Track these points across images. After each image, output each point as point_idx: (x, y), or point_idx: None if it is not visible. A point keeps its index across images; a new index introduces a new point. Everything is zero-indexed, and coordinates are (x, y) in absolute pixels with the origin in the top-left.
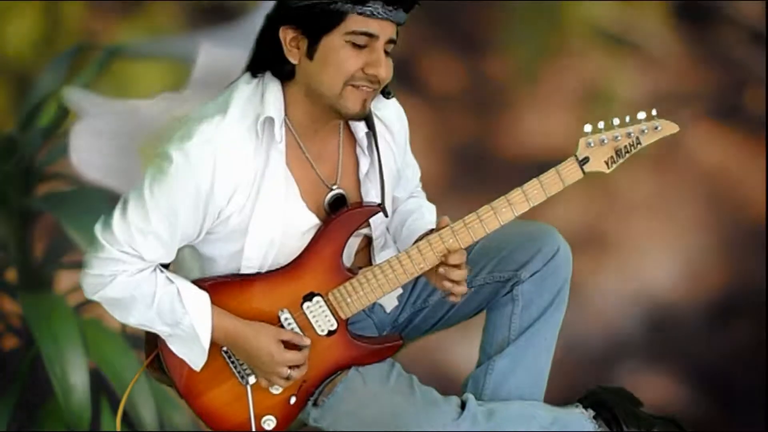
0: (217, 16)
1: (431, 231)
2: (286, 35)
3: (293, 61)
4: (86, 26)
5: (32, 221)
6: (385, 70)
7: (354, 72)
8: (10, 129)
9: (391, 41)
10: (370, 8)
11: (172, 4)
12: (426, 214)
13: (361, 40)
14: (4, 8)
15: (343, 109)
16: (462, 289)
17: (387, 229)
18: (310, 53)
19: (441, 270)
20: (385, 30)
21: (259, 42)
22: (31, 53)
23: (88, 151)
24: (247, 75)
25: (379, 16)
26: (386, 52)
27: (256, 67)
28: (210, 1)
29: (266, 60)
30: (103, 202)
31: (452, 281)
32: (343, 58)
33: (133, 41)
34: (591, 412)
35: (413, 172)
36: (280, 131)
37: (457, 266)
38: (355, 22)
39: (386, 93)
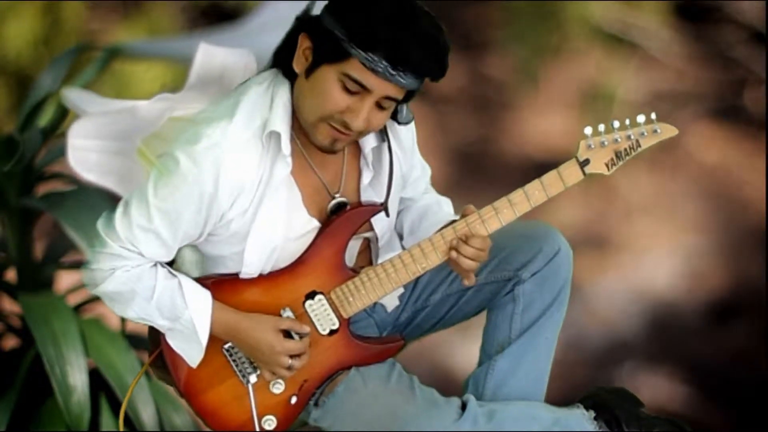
0: (217, 16)
1: (452, 222)
2: (303, 43)
3: (296, 69)
4: (86, 26)
5: (32, 221)
6: (362, 123)
7: (333, 112)
8: (10, 129)
9: (390, 98)
10: (373, 62)
11: (172, 4)
12: (444, 207)
13: (353, 87)
14: (4, 8)
15: (312, 137)
16: (469, 263)
17: (400, 230)
18: (308, 73)
19: (453, 255)
20: (383, 88)
21: (288, 36)
22: (31, 53)
23: (86, 152)
24: (260, 75)
25: (381, 75)
26: (382, 107)
27: (278, 57)
28: (210, 1)
29: (284, 55)
30: (102, 202)
31: (463, 255)
32: (329, 93)
33: (133, 41)
34: (592, 413)
35: (421, 172)
36: (287, 145)
37: (471, 253)
38: (354, 67)
39: (399, 120)
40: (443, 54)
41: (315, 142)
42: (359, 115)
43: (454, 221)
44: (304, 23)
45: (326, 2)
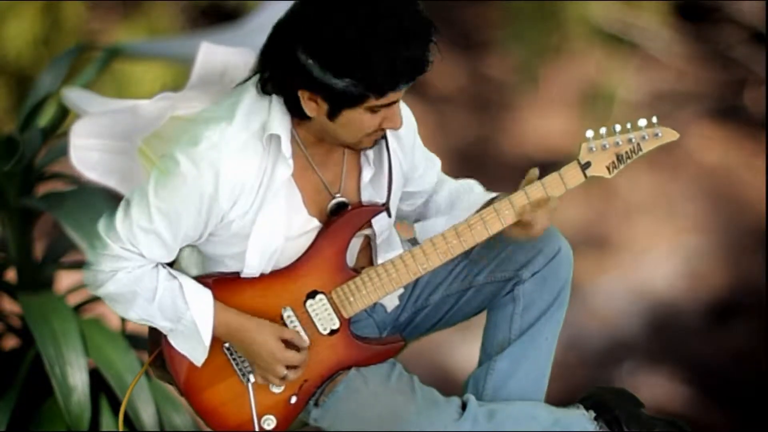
0: (217, 16)
1: (492, 201)
2: (304, 95)
3: (310, 114)
4: (86, 26)
5: (32, 221)
6: (399, 123)
7: (372, 131)
8: (10, 129)
9: None
10: (395, 90)
11: (172, 4)
12: (474, 187)
13: (380, 107)
14: (4, 8)
15: (356, 148)
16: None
17: (436, 213)
18: (330, 116)
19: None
20: (402, 92)
21: (272, 80)
22: (31, 53)
23: (88, 151)
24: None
25: (400, 90)
26: None
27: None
28: (210, 1)
29: (277, 92)
30: (102, 201)
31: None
32: (362, 124)
33: (133, 41)
34: (592, 414)
35: (425, 168)
36: (287, 148)
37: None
38: (376, 99)
39: None
40: (434, 35)
41: (359, 149)
42: (396, 119)
43: (493, 199)
44: (290, 75)
45: (311, 54)
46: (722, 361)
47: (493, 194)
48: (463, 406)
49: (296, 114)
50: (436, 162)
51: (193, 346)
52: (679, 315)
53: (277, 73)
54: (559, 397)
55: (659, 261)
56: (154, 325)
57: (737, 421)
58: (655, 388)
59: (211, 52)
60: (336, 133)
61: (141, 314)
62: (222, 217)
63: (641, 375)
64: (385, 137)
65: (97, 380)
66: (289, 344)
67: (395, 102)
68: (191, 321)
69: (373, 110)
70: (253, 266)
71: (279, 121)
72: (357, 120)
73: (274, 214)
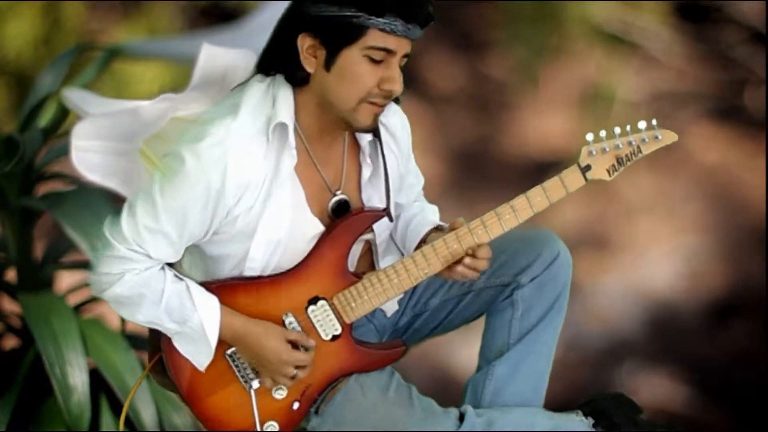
0: (217, 16)
1: (437, 228)
2: (304, 43)
3: (309, 69)
4: (86, 26)
5: (32, 221)
6: (399, 85)
7: (370, 88)
8: (10, 129)
9: (405, 56)
10: (390, 25)
11: (171, 5)
12: (429, 215)
13: (379, 55)
14: (4, 8)
15: (355, 122)
16: (475, 275)
17: (391, 235)
18: (328, 65)
19: (467, 260)
20: (402, 46)
21: (273, 44)
22: (31, 53)
23: (89, 153)
24: (260, 75)
25: (399, 33)
26: (399, 66)
27: (267, 67)
28: (210, 1)
29: (279, 63)
30: (103, 202)
31: (471, 268)
32: (361, 72)
33: (133, 41)
34: (590, 420)
35: (416, 179)
36: (293, 136)
37: (482, 266)
38: (374, 37)
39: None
40: None
41: (358, 125)
42: (396, 79)
43: (439, 226)
44: (292, 25)
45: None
46: (722, 361)
47: (441, 223)
48: (461, 417)
49: (296, 80)
50: (421, 180)
51: (198, 348)
52: (679, 315)
53: (281, 27)
54: (558, 398)
55: (659, 261)
56: (160, 328)
57: (737, 421)
58: (655, 388)
59: (212, 54)
60: (335, 93)
61: (148, 316)
62: (227, 212)
63: (641, 375)
64: (378, 133)
65: (97, 380)
66: (294, 345)
67: (394, 55)
68: (198, 323)
69: (372, 59)
70: (256, 260)
71: (285, 111)
72: (354, 68)
73: (279, 207)
